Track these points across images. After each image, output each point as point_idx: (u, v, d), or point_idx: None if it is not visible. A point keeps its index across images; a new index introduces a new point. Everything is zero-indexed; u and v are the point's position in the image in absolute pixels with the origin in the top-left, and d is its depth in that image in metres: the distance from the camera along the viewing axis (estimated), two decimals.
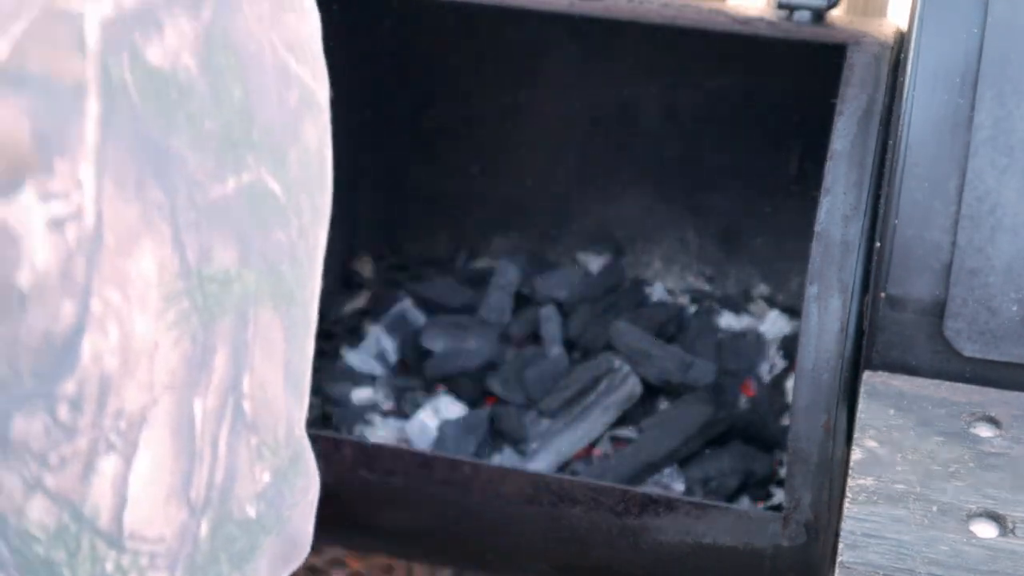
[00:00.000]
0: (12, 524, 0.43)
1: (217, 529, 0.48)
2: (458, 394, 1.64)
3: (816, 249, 1.25)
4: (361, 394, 1.68)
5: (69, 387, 0.43)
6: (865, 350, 1.20)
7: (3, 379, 0.42)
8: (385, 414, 1.67)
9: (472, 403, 1.64)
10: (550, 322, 1.70)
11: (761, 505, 1.51)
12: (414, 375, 1.69)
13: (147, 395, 0.45)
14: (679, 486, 1.52)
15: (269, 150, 0.49)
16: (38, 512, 0.43)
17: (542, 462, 1.55)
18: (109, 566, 0.45)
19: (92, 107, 0.42)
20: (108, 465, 0.44)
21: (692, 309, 1.80)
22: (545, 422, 1.57)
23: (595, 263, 1.85)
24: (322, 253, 0.55)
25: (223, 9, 0.47)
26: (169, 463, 0.45)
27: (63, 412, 0.43)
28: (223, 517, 0.48)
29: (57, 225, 0.41)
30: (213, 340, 0.46)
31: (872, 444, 1.04)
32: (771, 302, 1.81)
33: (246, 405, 0.49)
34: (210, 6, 0.46)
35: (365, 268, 1.89)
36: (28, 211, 0.41)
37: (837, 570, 0.93)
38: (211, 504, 0.47)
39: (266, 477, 0.50)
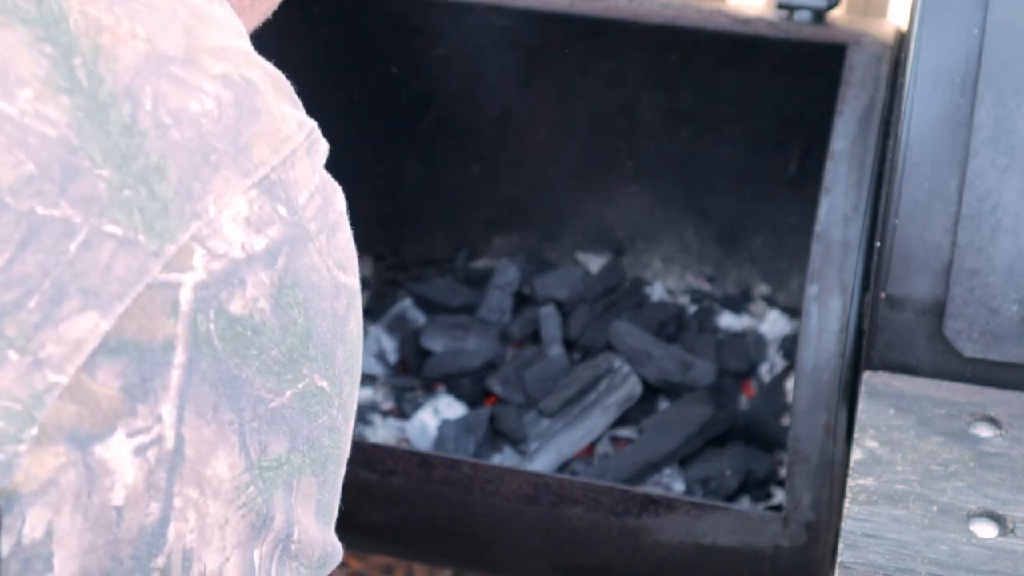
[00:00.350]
0: None
1: None
2: (458, 394, 1.64)
3: (816, 249, 1.25)
4: (361, 394, 1.68)
5: (159, 561, 0.54)
6: (865, 350, 1.20)
7: (109, 569, 0.53)
8: (385, 414, 1.67)
9: (472, 403, 1.64)
10: (550, 322, 1.70)
11: (761, 505, 1.51)
12: (414, 375, 1.69)
13: (222, 556, 0.56)
14: (679, 486, 1.51)
15: (322, 357, 0.58)
16: None
17: (542, 462, 1.55)
18: None
19: (179, 358, 0.52)
20: None
21: (692, 309, 1.80)
22: (545, 422, 1.57)
23: (595, 263, 1.85)
24: (355, 402, 0.65)
25: (294, 253, 0.55)
26: None
27: None
28: None
29: (140, 451, 0.52)
30: (272, 510, 0.57)
31: (872, 444, 1.04)
32: (771, 302, 1.81)
33: (293, 546, 0.59)
34: (285, 254, 0.55)
35: (365, 268, 1.89)
36: (119, 447, 0.51)
37: (837, 570, 0.93)
38: None
39: None
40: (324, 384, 0.59)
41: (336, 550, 0.65)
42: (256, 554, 0.57)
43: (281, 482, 0.57)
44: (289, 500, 0.58)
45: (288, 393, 0.56)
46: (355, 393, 0.64)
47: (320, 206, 0.58)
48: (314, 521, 0.61)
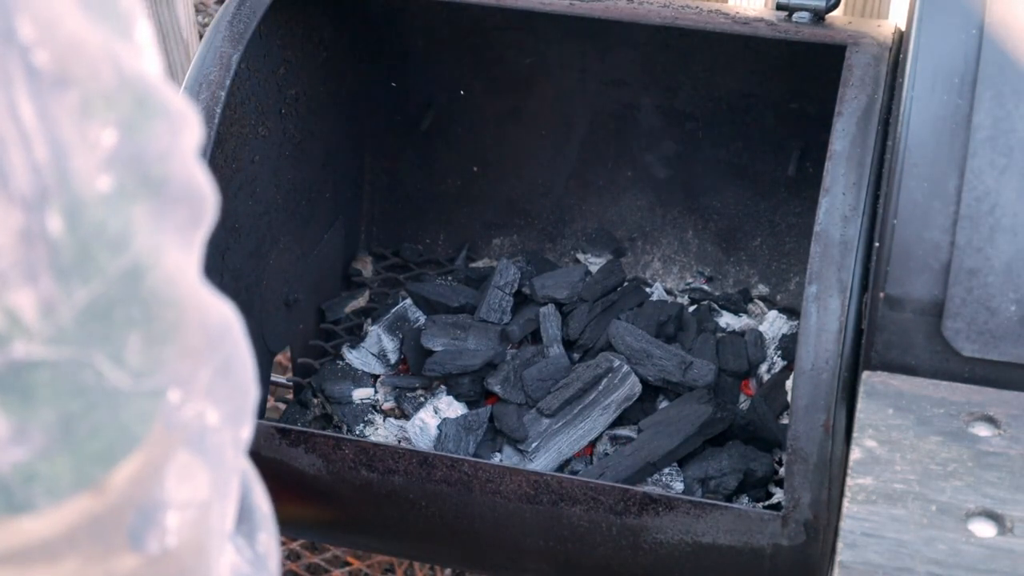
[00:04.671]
0: None
1: (74, 217, 0.40)
2: (458, 394, 1.64)
3: (815, 249, 1.25)
4: (361, 394, 1.68)
5: None
6: (864, 350, 1.21)
7: None
8: (385, 414, 1.67)
9: (472, 403, 1.64)
10: (550, 322, 1.70)
11: (760, 504, 1.51)
12: (414, 375, 1.69)
13: None
14: (678, 485, 1.52)
15: None
16: None
17: (542, 461, 1.55)
18: None
19: None
20: None
21: (692, 309, 1.80)
22: (545, 421, 1.57)
23: (595, 263, 1.86)
24: None
25: None
26: None
27: None
28: (74, 202, 0.40)
29: None
30: None
31: (871, 444, 1.05)
32: (770, 302, 1.82)
33: (38, 56, 0.39)
34: None
35: (365, 268, 1.90)
36: None
37: (836, 569, 0.93)
38: (49, 191, 0.40)
39: (109, 137, 0.41)
40: None
41: (170, 99, 0.44)
42: None
43: None
44: None
45: None
46: None
47: None
48: (78, 12, 0.40)
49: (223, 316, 0.46)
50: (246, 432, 0.50)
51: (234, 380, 0.48)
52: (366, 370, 1.72)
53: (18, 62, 0.39)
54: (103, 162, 0.41)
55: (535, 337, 1.73)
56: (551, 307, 1.72)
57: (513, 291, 1.75)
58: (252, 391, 0.49)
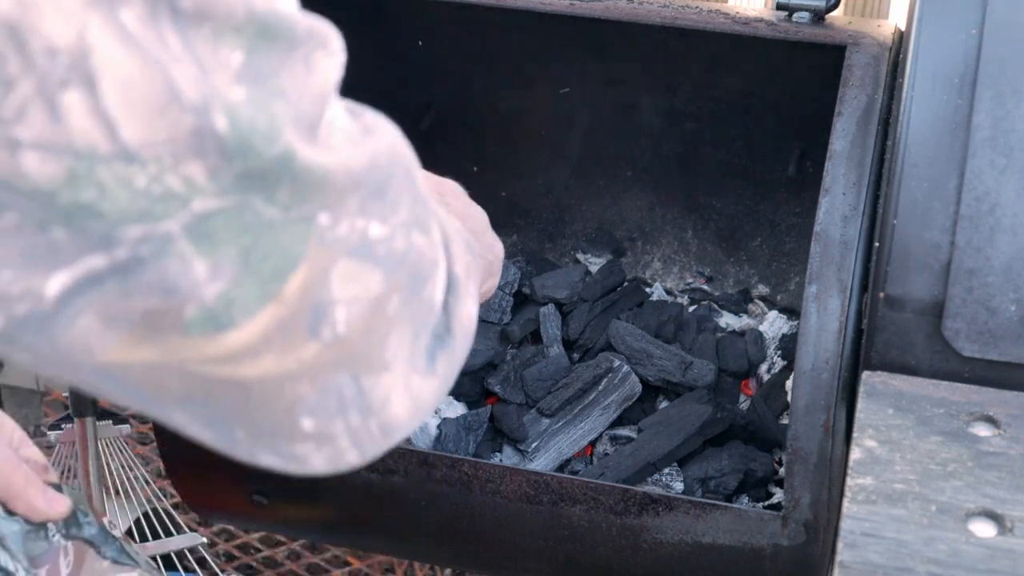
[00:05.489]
0: (22, 187, 0.47)
1: (232, 117, 0.51)
2: (458, 394, 1.64)
3: (815, 249, 1.25)
4: None
5: None
6: (864, 350, 1.21)
7: None
8: None
9: (472, 403, 1.64)
10: (550, 322, 1.70)
11: (760, 504, 1.51)
12: None
13: (70, 23, 0.47)
14: (678, 485, 1.52)
15: None
16: (35, 167, 0.48)
17: (542, 461, 1.55)
18: (141, 181, 0.49)
19: None
20: (72, 99, 0.47)
21: (692, 309, 1.80)
22: (545, 421, 1.57)
23: (595, 263, 1.86)
24: None
25: None
26: (137, 78, 0.48)
27: None
28: (228, 106, 0.51)
29: None
30: None
31: (871, 444, 1.05)
32: (770, 302, 1.82)
33: (184, 2, 0.50)
34: None
35: None
36: None
37: (836, 569, 0.93)
38: (209, 99, 0.50)
39: (237, 58, 0.52)
40: None
41: (320, 27, 0.57)
42: (126, 16, 0.48)
43: None
44: None
45: None
46: None
47: None
48: None
49: (373, 153, 0.57)
50: (420, 238, 0.61)
51: (395, 197, 0.59)
52: None
53: (165, 8, 0.49)
54: (234, 77, 0.51)
55: (535, 337, 1.73)
56: (551, 307, 1.72)
57: (513, 291, 1.75)
58: (417, 199, 0.61)
